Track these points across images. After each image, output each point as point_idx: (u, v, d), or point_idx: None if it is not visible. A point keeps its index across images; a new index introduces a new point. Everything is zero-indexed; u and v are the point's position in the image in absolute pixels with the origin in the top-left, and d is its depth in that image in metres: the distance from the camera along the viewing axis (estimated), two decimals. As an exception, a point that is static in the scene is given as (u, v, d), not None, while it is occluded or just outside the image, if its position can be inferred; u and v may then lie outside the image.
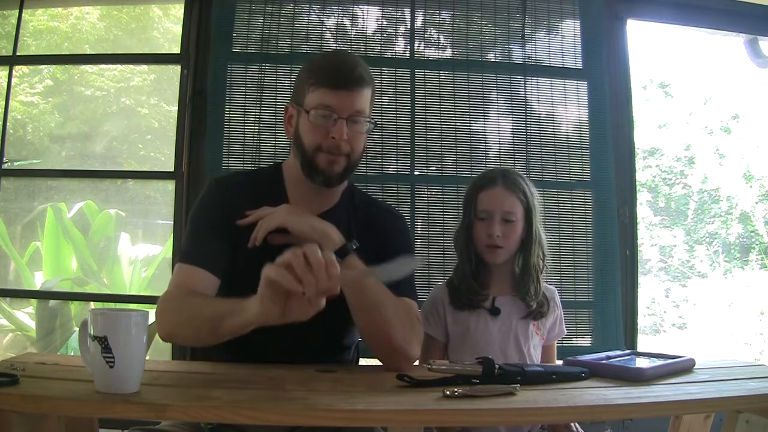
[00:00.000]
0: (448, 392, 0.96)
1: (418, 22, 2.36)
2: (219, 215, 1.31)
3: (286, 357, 1.23)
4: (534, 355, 1.53)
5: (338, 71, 1.29)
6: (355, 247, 1.25)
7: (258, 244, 1.25)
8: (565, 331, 1.63)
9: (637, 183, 2.39)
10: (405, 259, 1.04)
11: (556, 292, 1.62)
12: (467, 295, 1.52)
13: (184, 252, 1.30)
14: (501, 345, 1.49)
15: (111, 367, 0.88)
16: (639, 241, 2.39)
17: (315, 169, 1.30)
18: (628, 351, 1.49)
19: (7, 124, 2.40)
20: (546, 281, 1.60)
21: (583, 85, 2.33)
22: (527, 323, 1.52)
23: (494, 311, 1.51)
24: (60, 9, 4.09)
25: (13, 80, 2.51)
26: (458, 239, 1.59)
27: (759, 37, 2.70)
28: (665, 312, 6.58)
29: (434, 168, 2.28)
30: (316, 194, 1.35)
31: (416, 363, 1.29)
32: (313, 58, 1.39)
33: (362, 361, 1.55)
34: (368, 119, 1.32)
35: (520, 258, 1.53)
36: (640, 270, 2.40)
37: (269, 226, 1.25)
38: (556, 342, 1.63)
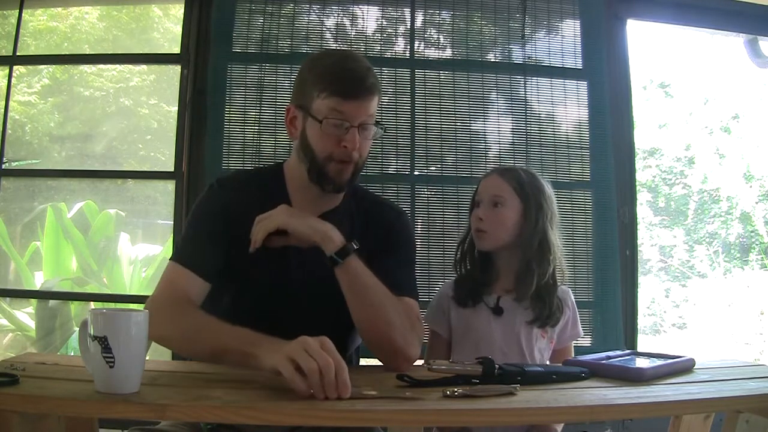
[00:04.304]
0: (448, 392, 0.95)
1: (418, 22, 2.36)
2: (218, 218, 1.30)
3: None
4: (539, 359, 1.47)
5: (351, 81, 1.25)
6: (356, 247, 1.22)
7: (258, 246, 1.22)
8: (581, 333, 1.55)
9: (637, 183, 2.39)
10: None
11: (570, 292, 1.56)
12: (470, 284, 1.50)
13: (180, 252, 1.30)
14: (503, 346, 1.45)
15: (111, 367, 0.88)
16: (639, 241, 2.39)
17: (325, 177, 1.29)
18: (628, 351, 1.47)
19: (7, 124, 2.40)
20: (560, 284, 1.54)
21: (583, 85, 2.32)
22: (532, 326, 1.48)
23: (497, 310, 1.48)
24: (60, 9, 4.09)
25: (12, 80, 2.51)
26: (464, 235, 1.59)
27: (759, 37, 2.70)
28: (665, 312, 6.57)
29: (434, 168, 2.28)
30: (319, 196, 1.33)
31: (419, 362, 1.29)
32: (316, 56, 1.35)
33: (362, 361, 1.54)
34: (378, 123, 1.31)
35: (521, 255, 1.49)
36: (640, 270, 2.39)
37: (269, 228, 1.21)
38: (571, 344, 1.56)
